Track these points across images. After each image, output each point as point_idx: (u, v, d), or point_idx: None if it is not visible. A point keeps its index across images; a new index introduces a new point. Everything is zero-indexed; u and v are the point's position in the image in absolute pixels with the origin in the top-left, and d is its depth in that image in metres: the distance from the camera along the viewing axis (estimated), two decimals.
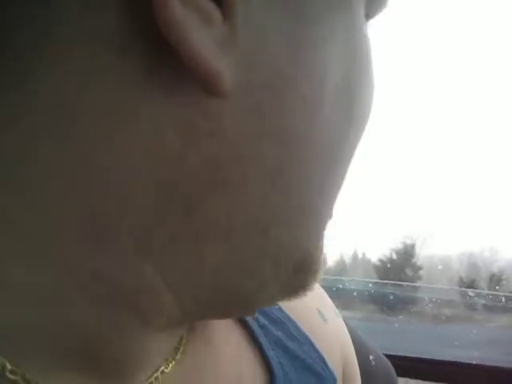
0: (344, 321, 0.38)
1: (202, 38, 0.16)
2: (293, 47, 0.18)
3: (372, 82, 0.23)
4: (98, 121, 0.16)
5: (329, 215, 0.24)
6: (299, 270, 0.22)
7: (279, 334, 0.31)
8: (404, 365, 1.18)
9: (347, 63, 0.21)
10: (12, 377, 0.18)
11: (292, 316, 0.32)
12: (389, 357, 0.69)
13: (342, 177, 0.23)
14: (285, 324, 0.32)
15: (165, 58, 0.16)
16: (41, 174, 0.16)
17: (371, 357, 0.62)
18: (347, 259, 15.52)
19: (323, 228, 0.23)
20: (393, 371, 0.67)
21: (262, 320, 0.31)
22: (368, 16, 0.24)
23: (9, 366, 0.18)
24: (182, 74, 0.16)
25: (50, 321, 0.18)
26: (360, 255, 15.69)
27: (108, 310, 0.18)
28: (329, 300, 0.38)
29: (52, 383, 0.19)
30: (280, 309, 0.32)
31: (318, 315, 0.35)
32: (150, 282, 0.18)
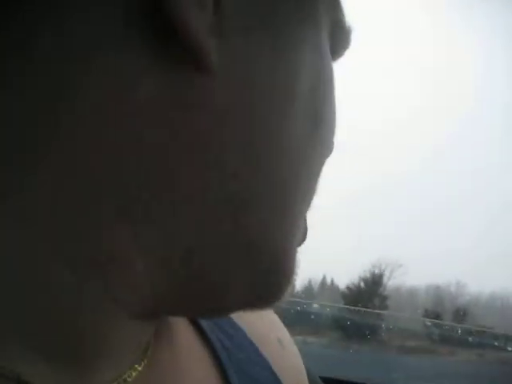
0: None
1: (196, 17, 0.18)
2: (272, 52, 0.21)
3: (334, 104, 0.25)
4: (101, 84, 0.18)
5: (301, 225, 0.25)
6: (270, 272, 0.23)
7: (241, 357, 0.32)
8: None
9: (313, 78, 0.23)
10: None
11: (254, 341, 0.34)
12: None
13: (311, 189, 0.25)
14: (247, 348, 0.33)
15: (164, 39, 0.18)
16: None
17: None
18: (315, 285, 15.51)
19: (294, 235, 0.24)
20: None
21: (227, 342, 0.32)
22: (333, 51, 0.26)
23: None
24: (179, 53, 0.18)
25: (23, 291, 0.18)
26: (329, 281, 15.68)
27: (80, 280, 0.19)
28: (286, 330, 0.40)
29: (18, 367, 0.18)
30: (244, 334, 0.34)
31: (278, 343, 0.36)
32: (124, 248, 0.19)
